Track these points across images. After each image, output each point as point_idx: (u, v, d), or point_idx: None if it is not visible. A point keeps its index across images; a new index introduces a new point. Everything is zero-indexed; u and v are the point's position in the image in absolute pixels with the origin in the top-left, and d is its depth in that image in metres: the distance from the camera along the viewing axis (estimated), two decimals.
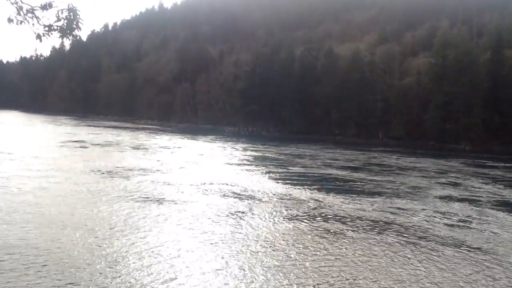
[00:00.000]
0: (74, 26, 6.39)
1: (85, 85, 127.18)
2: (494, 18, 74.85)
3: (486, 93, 59.57)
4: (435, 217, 15.48)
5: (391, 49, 75.01)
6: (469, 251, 11.66)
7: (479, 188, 22.90)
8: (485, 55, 63.61)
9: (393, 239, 12.36)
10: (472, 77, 60.50)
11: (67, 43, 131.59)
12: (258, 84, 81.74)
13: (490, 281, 9.67)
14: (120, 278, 8.65)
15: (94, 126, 69.75)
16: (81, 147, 35.59)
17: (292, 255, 10.49)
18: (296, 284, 8.89)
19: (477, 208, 17.39)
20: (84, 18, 6.48)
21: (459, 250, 11.68)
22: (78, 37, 6.74)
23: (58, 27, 6.33)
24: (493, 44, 64.13)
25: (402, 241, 12.21)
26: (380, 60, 73.30)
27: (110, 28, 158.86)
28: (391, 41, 79.66)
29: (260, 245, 11.08)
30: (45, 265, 9.07)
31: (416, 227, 13.92)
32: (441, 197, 19.58)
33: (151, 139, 49.50)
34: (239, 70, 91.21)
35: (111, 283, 8.40)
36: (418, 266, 10.26)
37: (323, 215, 14.84)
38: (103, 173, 21.58)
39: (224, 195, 17.44)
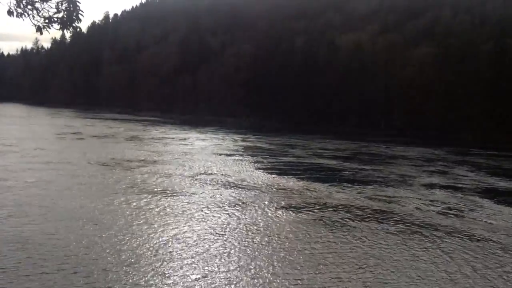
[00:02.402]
0: (74, 17, 6.38)
1: (86, 77, 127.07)
2: (497, 7, 74.35)
3: (488, 83, 59.39)
4: (429, 205, 15.68)
5: (393, 39, 74.72)
6: (472, 240, 11.68)
7: (471, 177, 23.20)
8: (488, 45, 63.30)
9: (394, 228, 12.41)
10: (475, 66, 60.32)
11: (68, 35, 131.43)
12: (259, 75, 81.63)
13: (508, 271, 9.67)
14: (140, 275, 8.54)
15: (95, 119, 69.82)
16: (82, 139, 35.70)
17: (306, 248, 10.47)
18: (317, 277, 8.88)
19: (468, 197, 17.62)
20: (84, 9, 6.48)
21: (462, 239, 11.69)
22: (78, 29, 6.74)
23: (58, 19, 6.33)
24: (495, 33, 63.81)
25: (404, 230, 12.25)
26: (382, 50, 73.05)
27: (110, 19, 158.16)
28: (393, 31, 79.24)
29: (271, 238, 11.05)
30: (62, 263, 8.91)
31: (413, 216, 14.02)
32: (432, 186, 19.83)
33: (151, 130, 49.59)
34: (241, 61, 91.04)
35: (130, 280, 8.31)
36: (429, 256, 10.27)
37: (320, 204, 14.92)
38: (105, 165, 21.67)
39: (224, 186, 17.52)
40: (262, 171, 22.26)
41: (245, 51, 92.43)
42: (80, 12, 6.37)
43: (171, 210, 13.29)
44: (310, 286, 8.43)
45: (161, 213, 12.91)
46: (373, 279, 8.86)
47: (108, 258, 9.21)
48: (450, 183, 20.86)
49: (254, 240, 10.82)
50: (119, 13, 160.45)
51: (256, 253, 9.96)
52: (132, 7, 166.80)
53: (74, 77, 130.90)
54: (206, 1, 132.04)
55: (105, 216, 12.30)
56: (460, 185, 20.33)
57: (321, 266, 9.36)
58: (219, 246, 10.26)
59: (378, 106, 68.94)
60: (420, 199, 16.72)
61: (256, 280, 8.55)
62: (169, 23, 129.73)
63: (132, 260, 9.17)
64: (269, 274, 8.81)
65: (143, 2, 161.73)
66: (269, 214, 13.32)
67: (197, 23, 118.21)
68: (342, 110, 71.48)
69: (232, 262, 9.38)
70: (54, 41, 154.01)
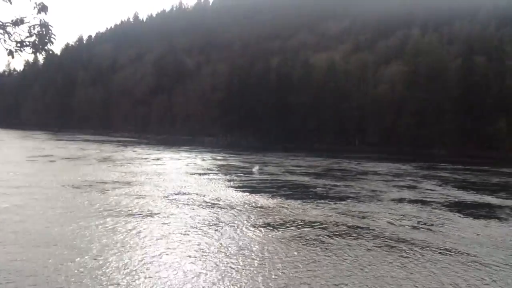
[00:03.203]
0: (47, 41, 6.39)
1: (59, 99, 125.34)
2: (464, 26, 77.12)
3: (458, 99, 61.16)
4: (401, 220, 15.98)
5: (365, 58, 76.46)
6: (448, 253, 11.87)
7: (439, 191, 23.91)
8: (456, 62, 65.38)
9: (372, 244, 12.53)
10: (444, 83, 62.13)
11: (41, 57, 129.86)
12: (235, 95, 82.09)
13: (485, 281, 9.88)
14: None
15: (68, 141, 68.69)
16: (54, 161, 35.04)
17: (290, 266, 10.45)
18: None
19: (436, 211, 18.07)
20: (57, 31, 6.51)
21: (440, 252, 11.87)
22: (51, 52, 6.74)
23: (30, 43, 6.33)
24: (463, 51, 66.03)
25: (381, 245, 12.38)
26: (355, 69, 74.62)
27: (84, 41, 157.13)
28: (365, 50, 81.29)
29: (254, 258, 10.95)
30: None
31: (387, 230, 14.22)
32: (402, 200, 20.33)
33: (125, 151, 49.12)
34: (217, 81, 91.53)
35: None
36: (414, 270, 10.40)
37: (295, 222, 15.01)
38: (78, 188, 21.29)
39: (200, 206, 17.44)
40: (236, 189, 22.33)
41: (220, 71, 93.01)
42: (52, 35, 6.38)
43: (149, 233, 13.08)
44: None
45: (140, 236, 12.68)
46: None
47: (87, 284, 8.99)
48: (419, 198, 21.39)
49: (238, 261, 10.72)
50: (93, 35, 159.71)
51: (242, 273, 9.88)
52: (107, 28, 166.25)
53: (47, 99, 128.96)
54: (181, 22, 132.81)
55: (81, 240, 12.00)
56: (428, 199, 20.87)
57: (307, 285, 9.37)
58: (203, 269, 10.10)
59: (352, 124, 70.01)
60: (391, 214, 17.04)
61: None
62: (144, 44, 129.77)
63: (111, 287, 8.97)
64: None
65: (118, 24, 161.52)
66: (249, 234, 13.28)
67: (172, 43, 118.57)
68: (317, 128, 72.30)
69: (220, 284, 9.28)
70: (27, 63, 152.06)
